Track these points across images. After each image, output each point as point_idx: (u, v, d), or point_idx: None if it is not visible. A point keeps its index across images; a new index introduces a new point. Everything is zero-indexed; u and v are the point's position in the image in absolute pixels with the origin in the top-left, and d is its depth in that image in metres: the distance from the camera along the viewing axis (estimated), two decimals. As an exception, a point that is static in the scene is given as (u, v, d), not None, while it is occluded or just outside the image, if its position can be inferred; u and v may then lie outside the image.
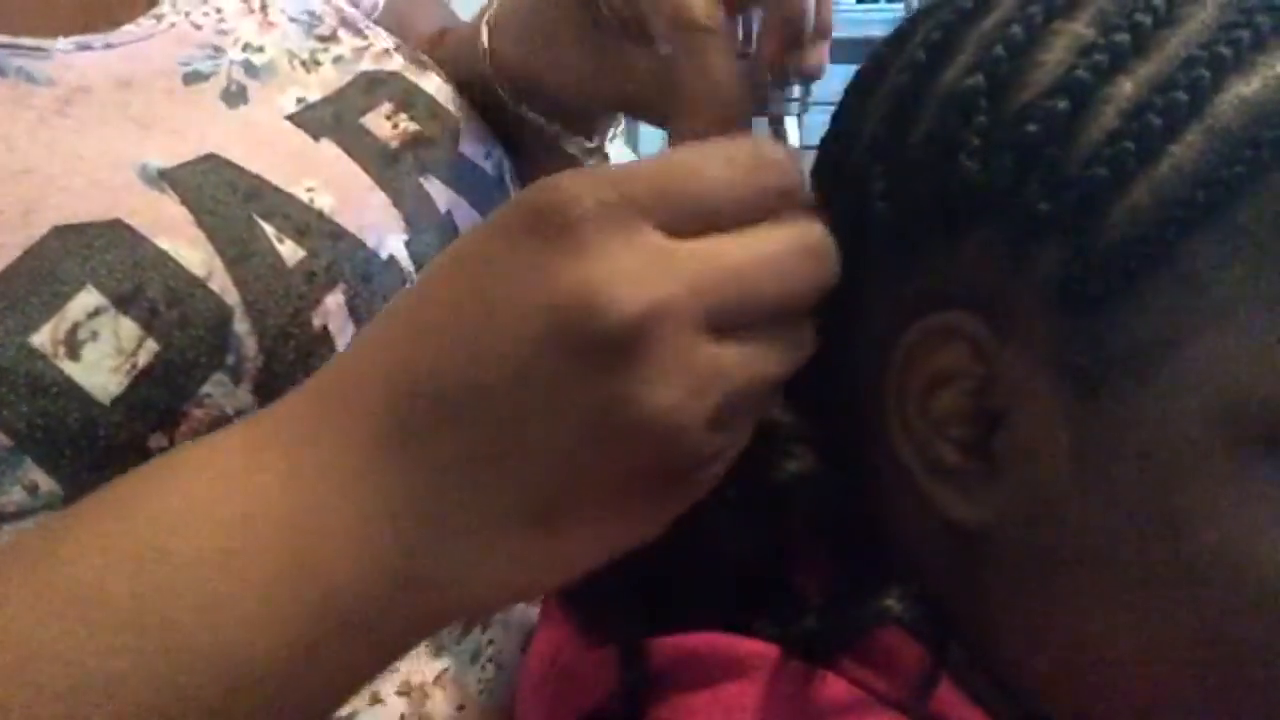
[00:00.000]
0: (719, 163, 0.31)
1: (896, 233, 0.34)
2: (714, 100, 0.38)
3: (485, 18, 0.56)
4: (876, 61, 0.37)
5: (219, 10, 0.50)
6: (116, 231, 0.39)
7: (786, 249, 0.31)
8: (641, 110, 0.51)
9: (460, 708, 0.48)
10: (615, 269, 0.28)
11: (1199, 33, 0.31)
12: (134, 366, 0.38)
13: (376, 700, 0.45)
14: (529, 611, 0.52)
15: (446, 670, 0.48)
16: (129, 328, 0.38)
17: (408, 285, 0.46)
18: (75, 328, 0.37)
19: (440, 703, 0.48)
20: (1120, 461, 0.31)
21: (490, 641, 0.51)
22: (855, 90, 0.38)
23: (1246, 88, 0.30)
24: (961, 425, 0.33)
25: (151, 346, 0.38)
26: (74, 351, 0.37)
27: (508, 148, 0.57)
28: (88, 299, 0.37)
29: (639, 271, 0.28)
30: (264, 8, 0.51)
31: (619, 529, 0.31)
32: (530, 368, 0.29)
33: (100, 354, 0.37)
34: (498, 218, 0.30)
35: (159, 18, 0.47)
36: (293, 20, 0.52)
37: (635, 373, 0.28)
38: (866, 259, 0.35)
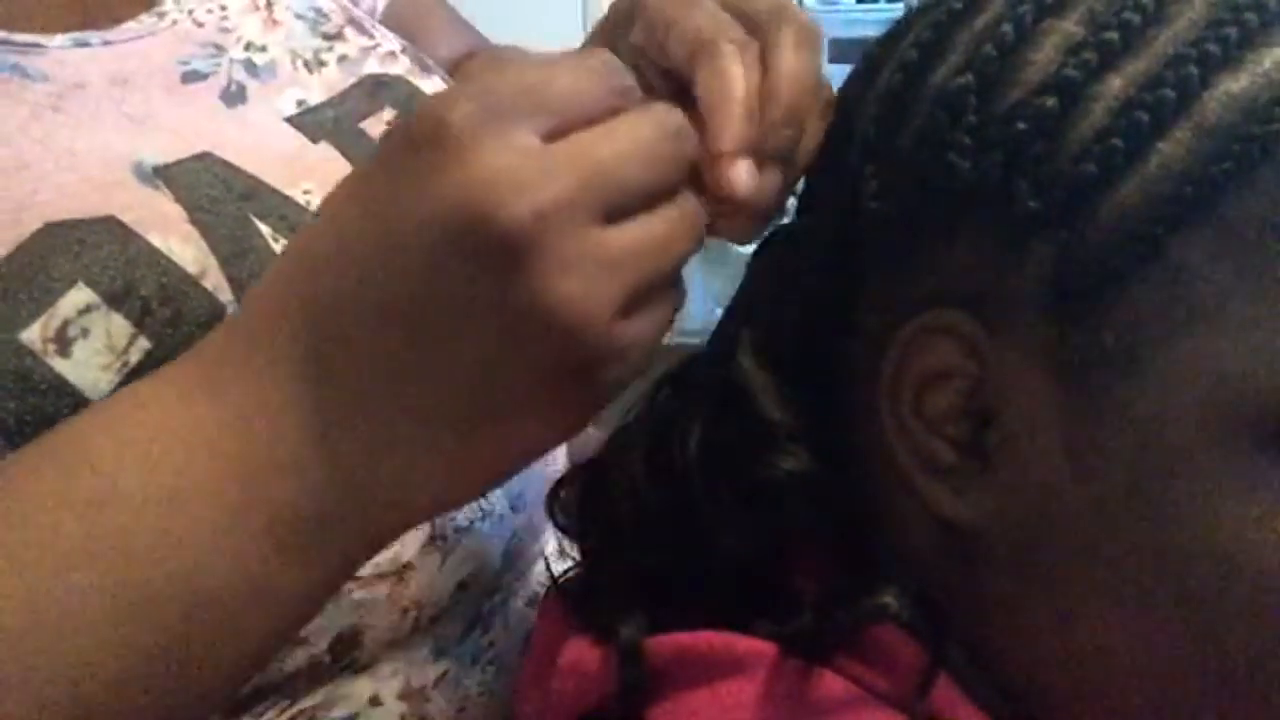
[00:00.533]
0: (571, 68, 0.32)
1: (888, 232, 0.35)
2: (736, 113, 0.37)
3: None
4: (869, 61, 0.37)
5: (223, 7, 0.49)
6: (109, 228, 0.38)
7: (649, 132, 0.31)
8: None
9: (460, 710, 0.48)
10: (497, 171, 0.29)
11: (1187, 30, 0.31)
12: (125, 364, 0.38)
13: (377, 703, 0.46)
14: (529, 613, 0.52)
15: (447, 673, 0.48)
16: (120, 325, 0.38)
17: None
18: (66, 325, 0.37)
19: (440, 705, 0.48)
20: (1113, 458, 0.31)
21: (490, 644, 0.51)
22: (848, 90, 0.38)
23: (1235, 84, 0.30)
24: (955, 423, 0.34)
25: (143, 344, 0.38)
26: (64, 348, 0.37)
27: None
28: (79, 296, 0.37)
29: (519, 171, 0.29)
30: (269, 5, 0.51)
31: (543, 426, 0.32)
32: (431, 279, 0.30)
33: (91, 351, 0.37)
34: (380, 146, 0.32)
35: (161, 15, 0.47)
36: (299, 17, 0.52)
37: (534, 269, 0.29)
38: (859, 258, 0.35)
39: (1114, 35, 0.32)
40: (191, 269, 0.39)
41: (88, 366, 0.37)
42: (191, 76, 0.46)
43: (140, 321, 0.38)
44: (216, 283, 0.40)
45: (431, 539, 0.47)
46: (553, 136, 0.30)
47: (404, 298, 0.30)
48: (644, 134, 0.31)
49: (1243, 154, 0.30)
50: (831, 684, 0.34)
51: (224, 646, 0.32)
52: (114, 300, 0.38)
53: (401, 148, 0.30)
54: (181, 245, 0.40)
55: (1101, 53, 0.32)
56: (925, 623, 0.34)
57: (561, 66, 0.32)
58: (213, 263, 0.40)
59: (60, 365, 0.37)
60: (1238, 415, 0.30)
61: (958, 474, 0.34)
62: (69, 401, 0.37)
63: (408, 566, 0.45)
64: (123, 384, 0.37)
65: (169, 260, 0.39)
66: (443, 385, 0.31)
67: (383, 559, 0.44)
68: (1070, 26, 0.33)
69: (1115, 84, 0.31)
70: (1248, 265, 0.30)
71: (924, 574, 0.35)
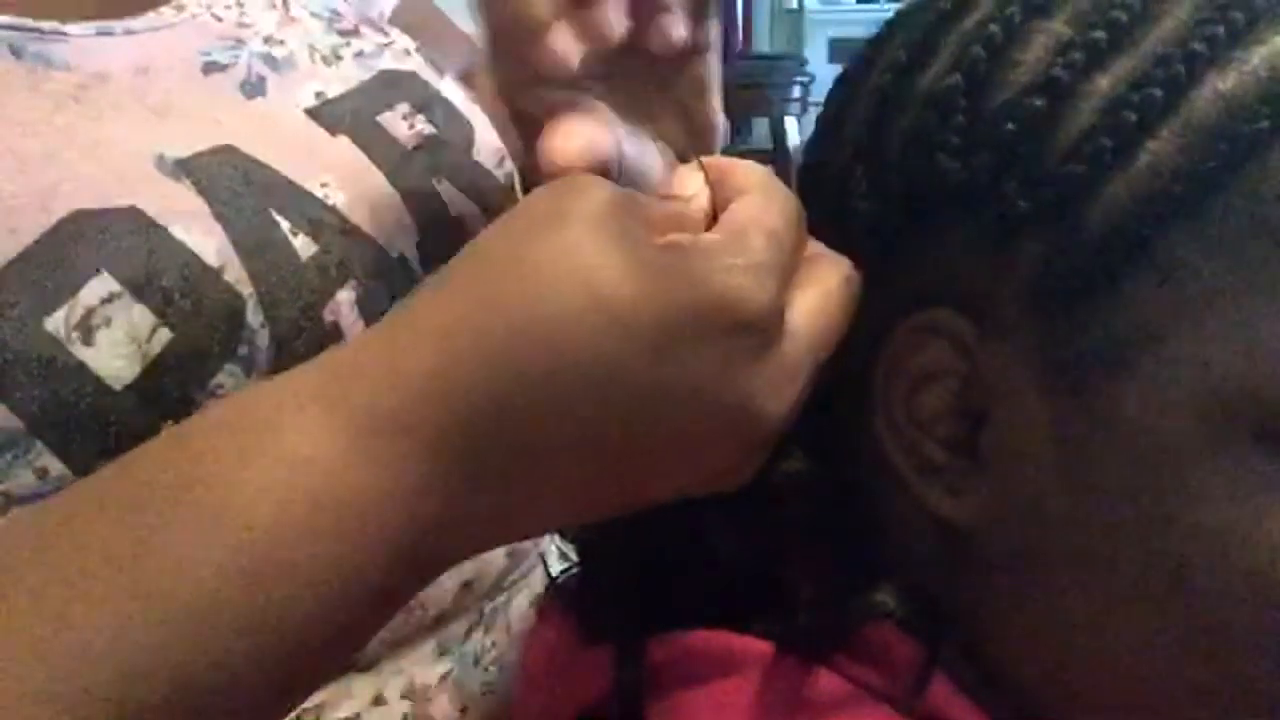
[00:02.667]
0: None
1: (879, 232, 0.35)
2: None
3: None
4: (860, 62, 0.38)
5: (240, 4, 0.50)
6: (132, 218, 0.39)
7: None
8: None
9: (463, 710, 0.49)
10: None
11: (1174, 29, 0.31)
12: (147, 355, 0.38)
13: (380, 702, 0.46)
14: (532, 613, 0.52)
15: (450, 673, 0.49)
16: (142, 315, 0.38)
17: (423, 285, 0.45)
18: (89, 313, 0.37)
19: (443, 704, 0.48)
20: (1105, 456, 0.32)
21: (493, 644, 0.51)
22: (839, 90, 0.38)
23: (1222, 83, 0.31)
24: (947, 423, 0.34)
25: (164, 334, 0.38)
26: (88, 337, 0.37)
27: None
28: (102, 285, 0.37)
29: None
30: (285, 3, 0.52)
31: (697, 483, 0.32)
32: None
33: (113, 340, 0.37)
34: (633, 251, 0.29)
35: (180, 8, 0.47)
36: (314, 15, 0.52)
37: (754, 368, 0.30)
38: (850, 259, 0.35)
39: (1101, 35, 0.32)
40: (213, 261, 0.40)
41: (111, 355, 0.37)
42: (212, 67, 0.46)
43: (162, 311, 0.38)
44: (237, 275, 0.40)
45: None
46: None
47: (625, 448, 0.30)
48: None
49: (1231, 152, 0.30)
50: (828, 683, 0.34)
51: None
52: (136, 290, 0.38)
53: (702, 333, 0.29)
54: (203, 238, 0.40)
55: (1089, 52, 0.32)
56: (921, 621, 0.34)
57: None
58: (233, 255, 0.40)
59: (83, 353, 0.37)
60: (1228, 412, 0.30)
61: (951, 473, 0.34)
62: (91, 390, 0.37)
63: None
64: (144, 373, 0.38)
65: (191, 252, 0.39)
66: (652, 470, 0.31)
67: None
68: (1058, 27, 0.33)
69: (1103, 83, 0.32)
70: (1236, 263, 0.30)
71: (920, 573, 0.35)
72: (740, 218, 0.32)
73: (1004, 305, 0.32)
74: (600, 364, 0.28)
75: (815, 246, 0.34)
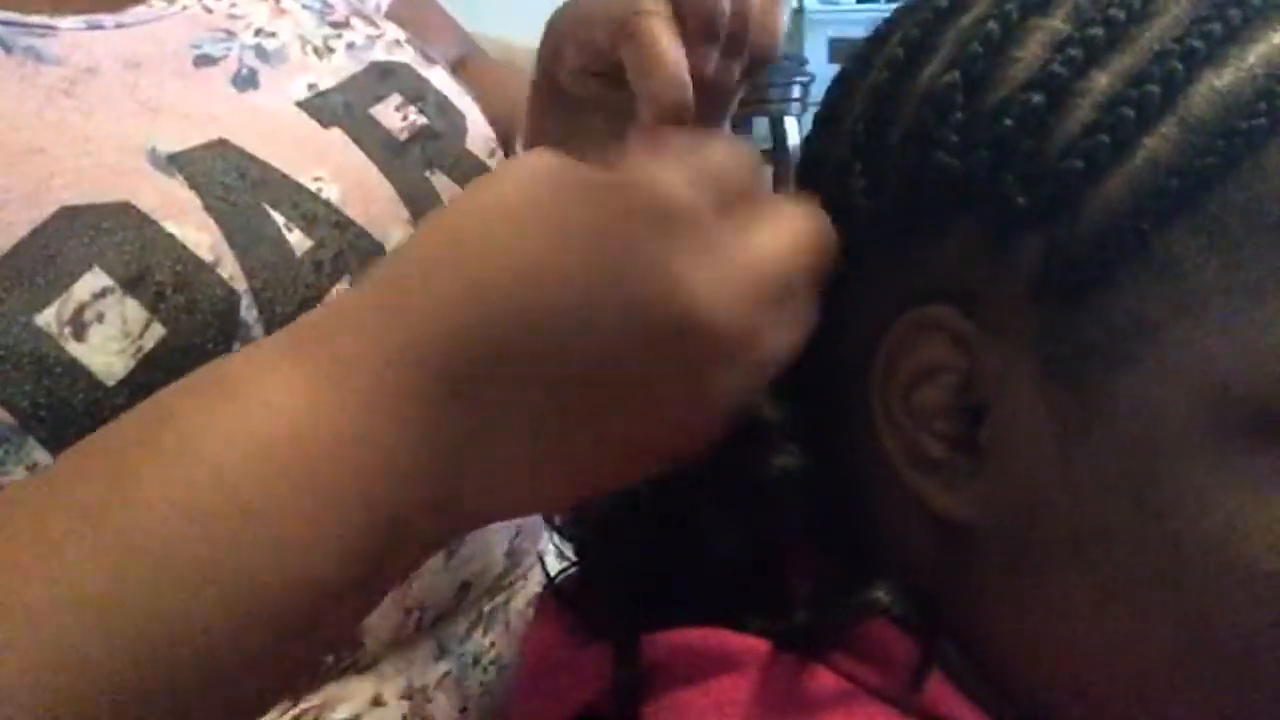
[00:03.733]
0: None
1: (877, 229, 0.35)
2: (665, 83, 0.39)
3: (520, 138, 0.56)
4: (858, 60, 0.38)
5: None
6: (125, 213, 0.38)
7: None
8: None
9: (463, 710, 0.49)
10: (717, 284, 0.29)
11: (1171, 26, 0.32)
12: (140, 349, 0.38)
13: (379, 703, 0.46)
14: (530, 614, 0.52)
15: (449, 673, 0.49)
16: (135, 310, 0.38)
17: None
18: (81, 308, 0.37)
19: (442, 705, 0.48)
20: (1103, 451, 0.32)
21: (492, 644, 0.51)
22: (837, 88, 0.38)
23: (1219, 80, 0.31)
24: (945, 419, 0.34)
25: (158, 330, 0.38)
26: (80, 332, 0.37)
27: None
28: (94, 280, 0.37)
29: (734, 286, 0.29)
30: None
31: (669, 425, 0.31)
32: (622, 359, 0.29)
33: (106, 336, 0.37)
34: (581, 191, 0.30)
35: (171, 0, 0.47)
36: (305, 7, 0.52)
37: (673, 242, 0.29)
38: (848, 255, 0.35)
39: (1099, 31, 0.32)
40: (206, 256, 0.39)
41: (103, 351, 0.37)
42: (203, 60, 0.46)
43: (155, 307, 0.38)
44: (231, 271, 0.40)
45: None
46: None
47: (583, 363, 0.29)
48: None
49: (1227, 148, 0.30)
50: (825, 680, 0.34)
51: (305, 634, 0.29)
52: (129, 285, 0.38)
53: (621, 215, 0.29)
54: (196, 233, 0.40)
55: (1087, 49, 0.32)
56: (918, 618, 0.34)
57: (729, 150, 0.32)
58: (227, 250, 0.40)
59: (75, 349, 0.37)
60: (1227, 407, 0.30)
61: (949, 469, 0.34)
62: (84, 385, 0.37)
63: None
64: (137, 369, 0.37)
65: (184, 247, 0.39)
66: (572, 377, 0.29)
67: None
68: (1056, 23, 0.33)
69: (1101, 80, 0.32)
70: (1233, 259, 0.30)
71: (918, 570, 0.35)
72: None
73: (1003, 301, 0.32)
74: (534, 263, 0.29)
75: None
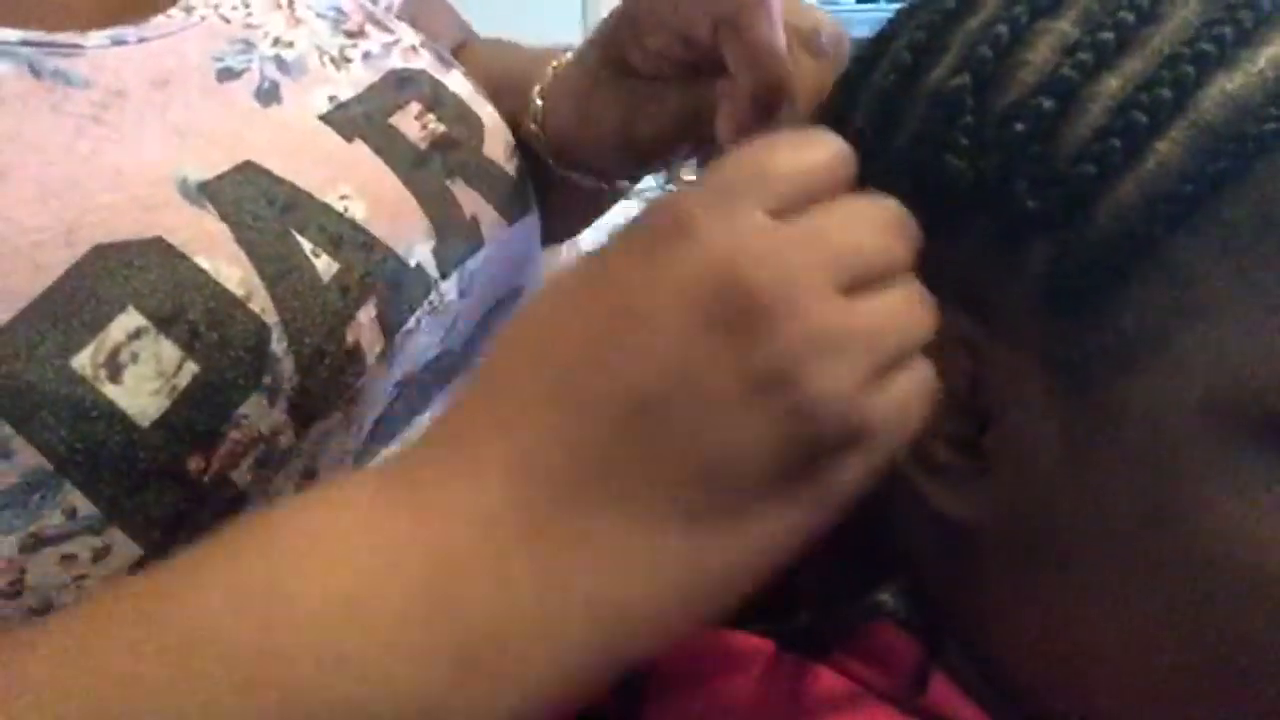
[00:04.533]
0: (794, 146, 0.32)
1: None
2: (765, 61, 0.40)
3: (536, 89, 0.56)
4: (859, 63, 0.37)
5: (247, 4, 0.49)
6: (157, 250, 0.38)
7: (877, 213, 0.32)
8: (677, 145, 0.52)
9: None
10: (734, 246, 0.29)
11: (1182, 29, 0.31)
12: (174, 389, 0.37)
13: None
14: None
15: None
16: (170, 350, 0.37)
17: (433, 293, 0.46)
18: (117, 350, 0.37)
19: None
20: (1111, 455, 0.32)
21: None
22: (841, 91, 0.38)
23: (1230, 83, 0.31)
24: (953, 423, 0.34)
25: (191, 368, 0.38)
26: (115, 374, 0.36)
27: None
28: (129, 320, 0.37)
29: (756, 244, 0.29)
30: (290, 3, 0.51)
31: (780, 521, 0.29)
32: (672, 355, 0.28)
33: (141, 377, 0.37)
34: (610, 243, 0.31)
35: (189, 9, 0.47)
36: (320, 16, 0.52)
37: (781, 333, 0.28)
38: None
39: (1109, 35, 0.32)
40: (238, 290, 0.39)
41: (138, 392, 0.37)
42: (226, 74, 0.46)
43: (189, 345, 0.38)
44: (263, 305, 0.40)
45: None
46: (781, 214, 0.30)
47: (639, 378, 0.28)
48: (872, 213, 0.31)
49: (1238, 153, 0.30)
50: (828, 681, 0.34)
51: None
52: (163, 324, 0.37)
53: (637, 236, 0.30)
54: (228, 267, 0.39)
55: (1097, 53, 0.32)
56: (921, 619, 0.34)
57: (784, 144, 0.32)
58: (258, 283, 0.40)
59: (111, 391, 0.36)
60: (1236, 412, 0.30)
61: (955, 473, 0.34)
62: (120, 428, 0.37)
63: None
64: (171, 409, 0.37)
65: (216, 283, 0.39)
66: (669, 473, 0.28)
67: None
68: (1065, 27, 0.33)
69: (1112, 84, 0.31)
70: (1244, 263, 0.30)
71: (923, 571, 0.35)
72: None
73: (1012, 305, 0.32)
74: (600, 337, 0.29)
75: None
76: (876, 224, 0.31)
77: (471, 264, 0.49)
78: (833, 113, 0.38)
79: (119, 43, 0.43)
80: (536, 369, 0.30)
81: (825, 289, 0.29)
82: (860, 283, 0.30)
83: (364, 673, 0.27)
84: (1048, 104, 0.32)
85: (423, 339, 0.46)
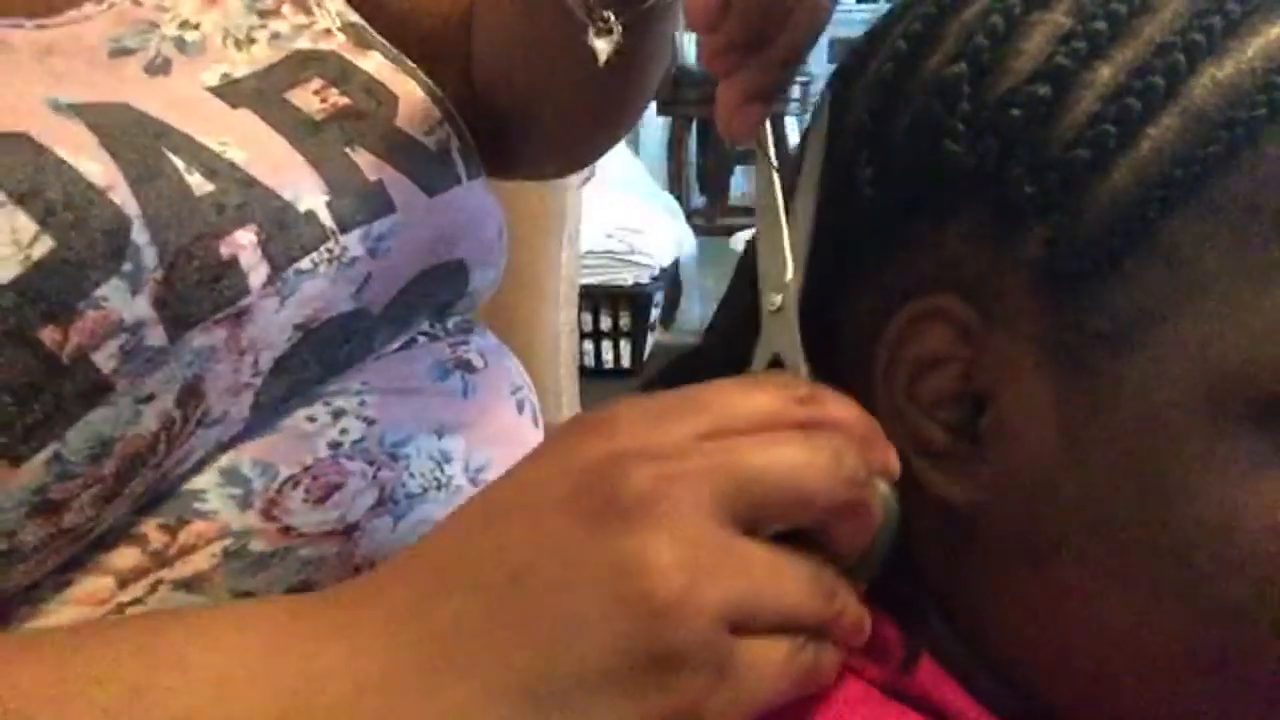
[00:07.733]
0: (742, 382, 0.34)
1: (883, 219, 0.35)
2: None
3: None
4: (857, 55, 0.38)
5: None
6: (20, 142, 0.39)
7: (804, 455, 0.31)
8: None
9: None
10: (633, 443, 0.31)
11: (1173, 19, 0.32)
12: (27, 258, 0.37)
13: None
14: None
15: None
16: (25, 221, 0.38)
17: (330, 241, 0.46)
18: None
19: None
20: (1107, 437, 0.32)
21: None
22: (839, 82, 0.38)
23: (1220, 71, 0.31)
24: (949, 408, 0.34)
25: (47, 242, 0.38)
26: None
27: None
28: None
29: (658, 446, 0.30)
30: None
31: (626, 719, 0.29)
32: (550, 532, 0.30)
33: None
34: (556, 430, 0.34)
35: (107, 2, 0.48)
36: None
37: (644, 528, 0.29)
38: (854, 246, 0.35)
39: (1102, 25, 0.32)
40: (99, 181, 0.40)
41: None
42: (119, 52, 0.47)
43: (44, 220, 0.38)
44: (123, 197, 0.40)
45: (381, 502, 0.48)
46: (709, 439, 0.31)
47: (516, 551, 0.30)
48: (797, 455, 0.31)
49: (1229, 138, 0.31)
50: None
51: None
52: (19, 199, 0.38)
53: (568, 428, 0.33)
54: (91, 162, 0.40)
55: (1091, 42, 0.32)
56: (905, 604, 0.34)
57: (736, 385, 0.33)
58: (120, 179, 0.40)
59: None
60: (1230, 392, 0.31)
61: (952, 457, 0.34)
62: None
63: (354, 527, 0.46)
64: (24, 276, 0.37)
65: (75, 171, 0.39)
66: (527, 641, 0.29)
67: (330, 517, 0.46)
68: (1059, 17, 0.33)
69: (1105, 72, 0.32)
70: (1235, 246, 0.31)
71: (920, 555, 0.36)
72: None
73: (1008, 290, 0.33)
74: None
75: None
76: (799, 465, 0.31)
77: (379, 226, 0.49)
78: (833, 103, 0.38)
79: (15, 27, 0.44)
80: (442, 542, 0.33)
81: (710, 506, 0.30)
82: (760, 520, 0.31)
83: None
84: (1043, 91, 0.32)
85: (323, 284, 0.46)
